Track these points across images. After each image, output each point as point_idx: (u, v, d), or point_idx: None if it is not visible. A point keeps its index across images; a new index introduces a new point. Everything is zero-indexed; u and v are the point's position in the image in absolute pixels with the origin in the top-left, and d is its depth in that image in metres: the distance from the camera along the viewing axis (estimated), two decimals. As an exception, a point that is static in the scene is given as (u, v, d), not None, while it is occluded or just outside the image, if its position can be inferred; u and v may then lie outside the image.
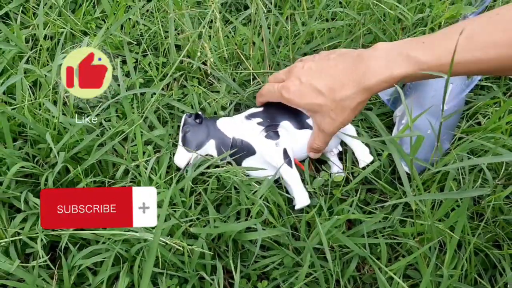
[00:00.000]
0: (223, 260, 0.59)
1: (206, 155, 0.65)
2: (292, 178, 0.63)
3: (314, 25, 0.78)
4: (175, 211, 0.59)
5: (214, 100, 0.73)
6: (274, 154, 0.64)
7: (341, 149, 0.70)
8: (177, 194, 0.60)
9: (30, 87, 0.69)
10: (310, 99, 0.60)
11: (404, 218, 0.62)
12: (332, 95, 0.59)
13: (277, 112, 0.67)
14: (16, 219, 0.60)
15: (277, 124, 0.66)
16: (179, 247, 0.55)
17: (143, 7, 0.83)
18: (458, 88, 0.71)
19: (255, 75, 0.75)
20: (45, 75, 0.69)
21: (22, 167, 0.60)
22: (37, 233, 0.57)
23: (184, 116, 0.67)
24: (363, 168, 0.67)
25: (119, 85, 0.72)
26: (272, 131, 0.65)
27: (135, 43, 0.79)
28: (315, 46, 0.79)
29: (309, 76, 0.61)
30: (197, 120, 0.66)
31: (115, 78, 0.75)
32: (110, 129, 0.68)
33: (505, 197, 0.64)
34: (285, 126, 0.66)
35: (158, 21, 0.79)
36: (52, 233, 0.58)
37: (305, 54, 0.78)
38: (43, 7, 0.77)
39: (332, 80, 0.59)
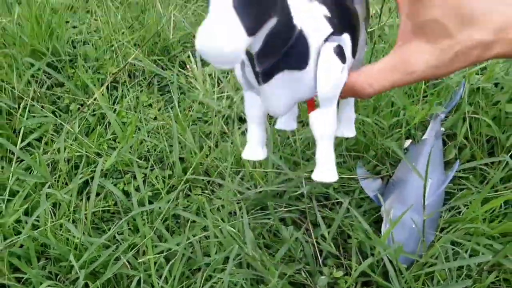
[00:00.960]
0: None
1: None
2: (331, 132, 0.40)
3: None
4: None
5: (221, 206, 0.80)
6: (338, 87, 0.39)
7: None
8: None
9: (51, 208, 0.77)
10: (453, 20, 0.37)
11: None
12: (495, 30, 0.37)
13: (342, 12, 0.40)
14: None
15: (340, 34, 0.39)
16: None
17: (148, 125, 0.93)
18: (436, 183, 0.79)
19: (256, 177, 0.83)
20: (64, 197, 0.77)
21: (48, 285, 0.66)
22: None
23: None
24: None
25: (130, 200, 0.80)
26: (339, 45, 0.38)
27: (143, 159, 0.88)
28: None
29: None
30: None
31: (126, 193, 0.83)
32: (123, 242, 0.74)
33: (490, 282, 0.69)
34: (345, 42, 0.39)
35: (163, 138, 0.88)
36: None
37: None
38: (63, 133, 0.87)
39: (493, 8, 0.38)
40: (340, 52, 0.37)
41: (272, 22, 0.32)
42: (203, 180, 0.84)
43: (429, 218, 0.75)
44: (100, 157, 0.86)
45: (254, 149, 0.43)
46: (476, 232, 0.74)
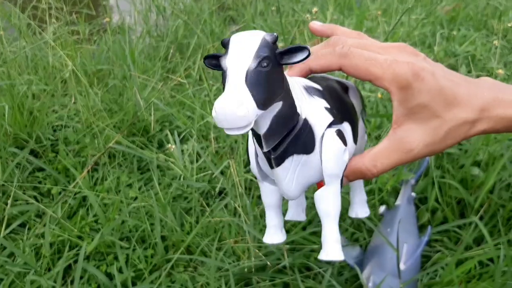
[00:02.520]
0: None
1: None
2: (336, 210, 0.42)
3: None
4: None
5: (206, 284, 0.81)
6: (340, 166, 0.41)
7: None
8: None
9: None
10: (439, 103, 0.42)
11: None
12: (478, 109, 0.42)
13: (340, 105, 0.44)
14: None
15: (340, 122, 0.43)
16: None
17: (130, 204, 0.95)
18: (412, 247, 0.81)
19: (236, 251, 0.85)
20: (48, 283, 0.77)
21: None
22: None
23: (264, 35, 0.36)
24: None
25: (113, 281, 0.81)
26: (339, 129, 0.42)
27: (125, 239, 0.89)
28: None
29: (443, 73, 0.43)
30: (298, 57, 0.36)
31: (109, 275, 0.83)
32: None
33: None
34: (346, 129, 0.43)
35: (144, 217, 0.90)
36: None
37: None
38: (47, 219, 0.88)
39: (474, 92, 0.43)
40: (340, 135, 0.41)
41: (277, 106, 0.37)
42: (184, 253, 0.86)
43: (408, 283, 0.77)
44: (82, 240, 0.87)
45: (274, 233, 0.46)
46: (454, 295, 0.76)
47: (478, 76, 1.24)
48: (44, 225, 0.87)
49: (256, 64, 0.34)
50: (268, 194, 0.45)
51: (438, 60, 1.26)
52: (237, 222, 0.86)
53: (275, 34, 0.36)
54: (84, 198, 0.97)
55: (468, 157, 0.94)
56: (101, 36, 1.66)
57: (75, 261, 0.84)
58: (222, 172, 1.01)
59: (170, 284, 0.83)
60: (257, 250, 0.82)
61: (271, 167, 0.40)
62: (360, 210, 0.51)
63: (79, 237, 0.88)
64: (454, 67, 1.25)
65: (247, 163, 1.04)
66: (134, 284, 0.82)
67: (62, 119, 1.18)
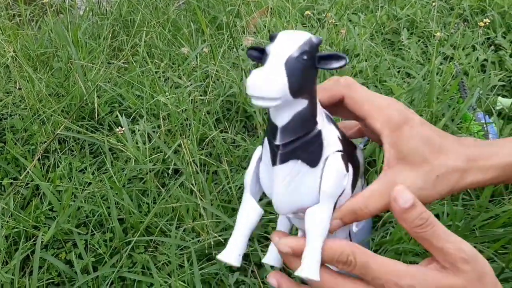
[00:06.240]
0: None
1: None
2: (324, 229, 0.40)
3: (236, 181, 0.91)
4: None
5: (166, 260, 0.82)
6: (338, 188, 0.41)
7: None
8: None
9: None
10: (428, 149, 0.44)
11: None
12: (465, 159, 0.45)
13: (349, 150, 0.45)
14: None
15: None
16: None
17: (84, 190, 0.94)
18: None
19: (196, 229, 0.86)
20: (6, 276, 0.77)
21: None
22: None
23: (311, 36, 0.39)
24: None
25: (73, 269, 0.81)
26: (343, 154, 0.42)
27: (82, 225, 0.89)
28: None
29: (429, 126, 0.47)
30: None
31: (69, 262, 0.83)
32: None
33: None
34: (349, 171, 0.43)
35: (100, 202, 0.90)
36: None
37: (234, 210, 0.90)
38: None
39: (458, 144, 0.46)
40: (345, 160, 0.41)
41: (302, 104, 0.38)
42: (144, 235, 0.86)
43: (361, 242, 0.81)
44: (39, 230, 0.86)
45: (232, 253, 0.42)
46: (405, 251, 0.81)
47: (420, 38, 1.28)
48: (-3, 218, 0.86)
49: (298, 54, 0.37)
50: (247, 211, 0.43)
51: (381, 24, 1.28)
52: (194, 200, 0.87)
53: (320, 38, 0.39)
54: (38, 187, 0.96)
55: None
56: (42, 18, 1.60)
57: (33, 252, 0.84)
58: (177, 151, 1.01)
59: (131, 265, 0.84)
60: (211, 231, 0.84)
61: (274, 163, 0.40)
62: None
63: (35, 227, 0.88)
64: (396, 31, 1.28)
65: (199, 143, 1.04)
66: (95, 269, 0.83)
67: (7, 106, 1.15)
